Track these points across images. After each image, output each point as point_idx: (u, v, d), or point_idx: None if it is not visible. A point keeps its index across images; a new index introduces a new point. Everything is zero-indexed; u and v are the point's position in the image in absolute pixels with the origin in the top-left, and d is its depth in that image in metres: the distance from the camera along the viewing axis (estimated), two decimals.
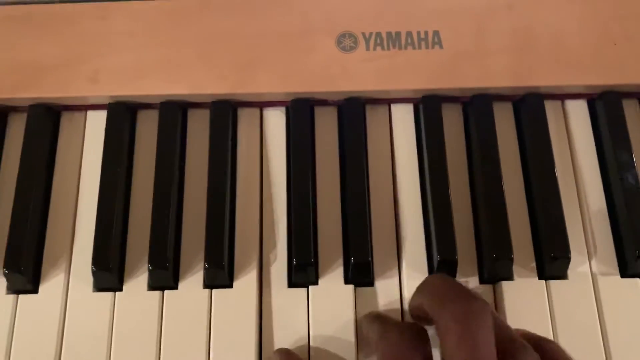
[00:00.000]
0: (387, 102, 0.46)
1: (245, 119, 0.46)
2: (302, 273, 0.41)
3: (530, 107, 0.45)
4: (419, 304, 0.36)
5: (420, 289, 0.37)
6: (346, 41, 0.45)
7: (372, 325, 0.37)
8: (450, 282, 0.36)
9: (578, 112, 0.46)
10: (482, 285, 0.42)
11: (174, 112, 0.45)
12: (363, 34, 0.45)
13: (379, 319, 0.38)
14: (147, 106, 0.46)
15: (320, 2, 0.46)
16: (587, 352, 0.40)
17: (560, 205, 0.42)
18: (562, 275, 0.42)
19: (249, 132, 0.46)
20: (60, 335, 0.40)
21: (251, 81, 0.45)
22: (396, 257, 0.43)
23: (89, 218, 0.43)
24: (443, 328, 0.33)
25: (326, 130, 0.46)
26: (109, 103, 0.45)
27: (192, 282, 0.42)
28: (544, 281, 0.41)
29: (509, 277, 0.42)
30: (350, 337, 0.40)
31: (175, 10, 0.46)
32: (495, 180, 0.43)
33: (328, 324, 0.41)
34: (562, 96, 0.47)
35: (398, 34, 0.45)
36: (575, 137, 0.46)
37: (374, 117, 0.46)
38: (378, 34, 0.45)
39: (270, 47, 0.45)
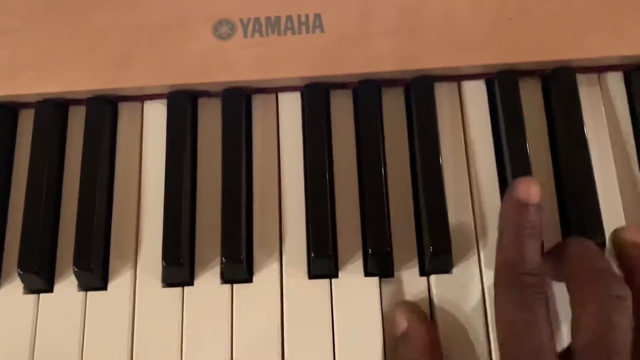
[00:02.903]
0: (275, 91, 0.44)
1: (126, 114, 0.44)
2: (173, 273, 0.40)
3: (417, 91, 0.42)
4: (556, 269, 0.37)
5: (562, 254, 0.36)
6: (223, 28, 0.43)
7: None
8: (594, 256, 0.36)
9: (475, 94, 0.44)
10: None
11: (50, 111, 0.44)
12: (241, 20, 0.43)
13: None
14: (27, 106, 0.45)
15: None
16: (471, 344, 0.38)
17: (443, 197, 0.40)
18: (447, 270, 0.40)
19: (129, 126, 0.44)
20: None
21: (128, 75, 0.43)
22: (278, 253, 0.41)
23: None
24: (580, 307, 0.33)
25: (210, 123, 0.44)
26: None
27: (68, 285, 0.41)
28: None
29: (391, 274, 0.40)
30: (224, 337, 0.39)
31: (50, 6, 0.44)
32: (377, 170, 0.41)
33: (202, 323, 0.40)
34: (460, 77, 0.44)
35: (277, 18, 0.43)
36: (471, 120, 0.43)
37: (260, 107, 0.44)
38: (256, 20, 0.43)
39: (147, 39, 0.43)
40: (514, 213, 0.36)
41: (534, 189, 0.35)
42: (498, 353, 0.36)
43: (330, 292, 0.40)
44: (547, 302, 0.34)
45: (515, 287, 0.34)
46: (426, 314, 0.38)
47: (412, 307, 0.38)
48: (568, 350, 0.34)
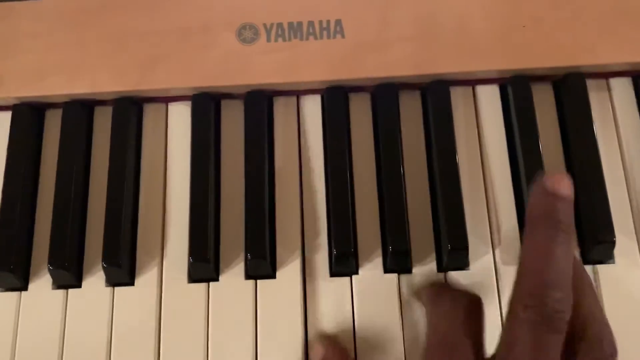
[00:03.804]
0: (296, 93, 0.46)
1: (151, 115, 0.46)
2: (200, 269, 0.41)
3: (434, 95, 0.44)
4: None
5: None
6: (247, 33, 0.44)
7: (424, 290, 0.38)
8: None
9: (489, 98, 0.45)
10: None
11: (77, 111, 0.45)
12: (264, 24, 0.45)
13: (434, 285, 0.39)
14: (54, 106, 0.46)
15: None
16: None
17: (459, 196, 0.41)
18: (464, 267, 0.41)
19: (153, 126, 0.45)
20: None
21: (154, 77, 0.44)
22: (301, 251, 0.42)
23: None
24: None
25: (232, 124, 0.45)
26: (14, 104, 0.45)
27: (96, 280, 0.42)
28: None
29: (409, 271, 0.41)
30: (249, 332, 0.40)
31: (78, 10, 0.46)
32: (396, 172, 0.42)
33: (227, 318, 0.41)
34: (474, 82, 0.46)
35: (300, 24, 0.44)
36: (485, 123, 0.45)
37: (282, 109, 0.46)
38: (279, 25, 0.45)
39: (172, 42, 0.45)
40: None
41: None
42: None
43: (350, 288, 0.41)
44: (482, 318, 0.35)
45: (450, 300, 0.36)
46: (342, 345, 0.40)
47: (329, 338, 0.40)
48: None
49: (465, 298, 0.36)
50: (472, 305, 0.35)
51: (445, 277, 0.41)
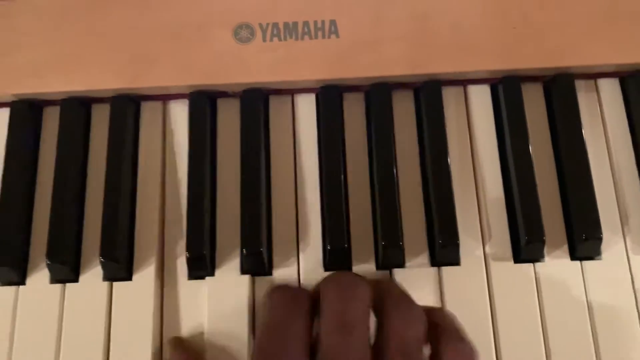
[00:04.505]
0: (291, 92, 0.47)
1: (148, 112, 0.46)
2: (197, 266, 0.42)
3: (427, 95, 0.45)
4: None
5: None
6: (243, 32, 0.45)
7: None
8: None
9: (480, 98, 0.46)
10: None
11: (75, 108, 0.45)
12: (260, 24, 0.45)
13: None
14: (52, 103, 0.46)
15: None
16: (476, 335, 0.41)
17: (451, 193, 0.42)
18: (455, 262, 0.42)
19: (151, 124, 0.46)
20: None
21: (150, 75, 0.45)
22: (296, 247, 0.43)
23: None
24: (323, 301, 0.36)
25: (229, 122, 0.46)
26: (12, 101, 0.46)
27: (93, 275, 0.43)
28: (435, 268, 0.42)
29: (402, 266, 0.42)
30: (244, 326, 0.41)
31: (76, 7, 0.46)
32: (388, 171, 0.43)
33: (223, 313, 0.42)
34: (466, 82, 0.46)
35: (295, 24, 0.45)
36: (475, 123, 0.46)
37: (277, 108, 0.46)
38: (275, 25, 0.45)
39: (168, 40, 0.45)
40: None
41: None
42: None
43: None
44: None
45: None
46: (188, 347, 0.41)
47: (177, 341, 0.41)
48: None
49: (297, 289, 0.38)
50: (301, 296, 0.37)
51: (438, 273, 0.42)
